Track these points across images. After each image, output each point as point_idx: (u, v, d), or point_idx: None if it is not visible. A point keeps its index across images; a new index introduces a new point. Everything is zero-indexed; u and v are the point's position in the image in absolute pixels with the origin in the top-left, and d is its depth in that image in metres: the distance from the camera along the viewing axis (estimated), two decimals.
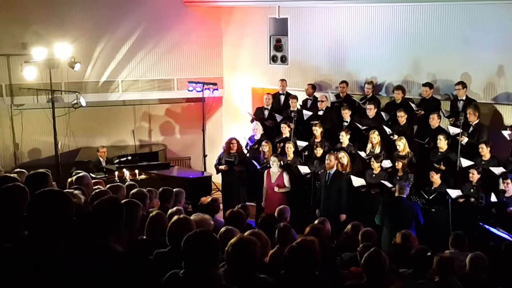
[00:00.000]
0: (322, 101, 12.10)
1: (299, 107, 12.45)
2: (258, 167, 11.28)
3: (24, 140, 14.64)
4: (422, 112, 11.06)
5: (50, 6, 13.53)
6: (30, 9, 13.42)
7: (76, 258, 3.17)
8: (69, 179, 7.73)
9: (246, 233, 5.13)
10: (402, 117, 10.95)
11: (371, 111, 11.35)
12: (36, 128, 14.43)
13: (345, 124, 11.54)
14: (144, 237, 5.60)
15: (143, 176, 11.90)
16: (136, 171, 11.74)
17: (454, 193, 9.36)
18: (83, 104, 13.33)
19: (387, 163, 10.34)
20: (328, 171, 10.16)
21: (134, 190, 6.96)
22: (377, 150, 10.65)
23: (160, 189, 7.98)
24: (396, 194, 8.94)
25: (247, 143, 12.37)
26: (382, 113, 11.46)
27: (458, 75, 11.21)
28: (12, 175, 6.51)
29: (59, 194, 3.21)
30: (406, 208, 8.80)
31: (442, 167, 9.94)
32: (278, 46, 13.81)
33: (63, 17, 13.64)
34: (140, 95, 14.78)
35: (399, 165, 10.02)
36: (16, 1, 13.34)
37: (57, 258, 2.96)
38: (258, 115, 12.84)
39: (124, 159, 13.21)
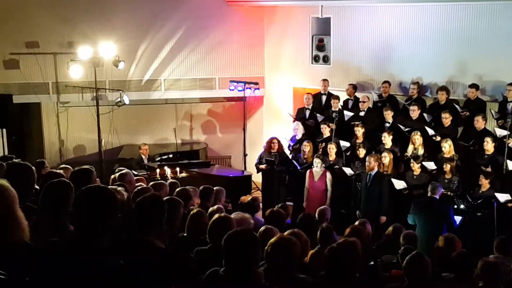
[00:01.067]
0: (363, 102, 11.98)
1: (340, 107, 12.36)
2: (298, 167, 11.25)
3: (69, 137, 14.94)
4: (468, 113, 10.84)
5: (96, 6, 13.76)
6: (77, 9, 13.68)
7: (119, 254, 3.22)
8: (112, 176, 7.83)
9: (285, 233, 5.11)
10: (447, 119, 10.75)
11: (414, 112, 11.16)
12: (80, 125, 14.71)
13: (387, 125, 11.40)
14: (185, 235, 5.64)
15: (184, 174, 11.97)
16: (177, 169, 11.82)
17: (502, 197, 9.12)
18: (127, 102, 13.54)
19: (431, 165, 10.17)
20: (368, 173, 10.07)
21: (179, 189, 7.03)
22: (420, 151, 10.49)
23: (201, 187, 8.02)
24: (429, 195, 8.77)
25: (289, 144, 12.36)
26: (425, 114, 11.26)
27: (508, 76, 10.89)
28: (57, 171, 6.63)
29: (104, 190, 3.26)
30: (437, 209, 8.61)
31: (489, 170, 9.73)
32: (321, 45, 13.73)
33: (108, 17, 13.85)
34: (182, 93, 14.90)
35: (447, 167, 9.81)
36: (65, 2, 13.59)
37: (101, 253, 3.00)
38: (299, 115, 12.80)
39: (166, 157, 13.32)
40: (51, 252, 3.05)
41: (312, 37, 13.82)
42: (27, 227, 3.19)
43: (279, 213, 6.83)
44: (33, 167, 4.96)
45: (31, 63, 13.75)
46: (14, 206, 3.13)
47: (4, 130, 13.38)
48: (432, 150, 10.60)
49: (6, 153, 12.57)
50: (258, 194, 12.08)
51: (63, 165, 8.71)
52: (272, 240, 4.19)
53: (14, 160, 7.91)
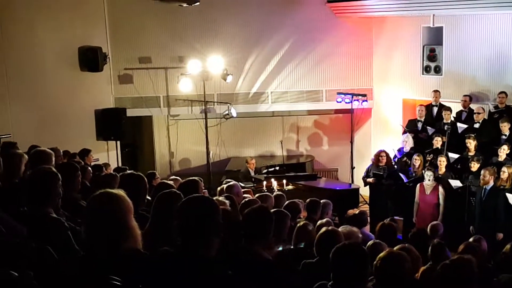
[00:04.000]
0: (478, 113, 11.45)
1: (453, 119, 11.90)
2: (406, 180, 10.94)
3: (179, 149, 15.38)
4: None
5: (206, 21, 14.11)
6: (187, 24, 14.11)
7: (227, 264, 3.22)
8: (219, 188, 7.95)
9: (395, 248, 4.97)
10: None
11: None
12: (189, 137, 15.11)
13: (504, 137, 10.82)
14: (292, 247, 5.61)
15: (290, 187, 11.96)
16: (284, 181, 11.83)
17: None
18: (234, 115, 13.76)
19: None
20: (483, 187, 9.61)
21: (288, 202, 7.06)
22: None
23: (307, 200, 7.96)
24: None
25: (395, 155, 12.05)
26: None
27: None
28: (168, 181, 6.80)
29: (204, 199, 3.29)
30: None
31: None
32: (432, 56, 13.28)
33: (217, 31, 14.17)
34: (288, 106, 14.93)
35: None
36: (176, 18, 14.04)
37: (209, 262, 3.01)
38: (410, 127, 12.45)
39: (272, 169, 13.38)
40: (162, 261, 3.10)
41: (423, 47, 13.40)
42: (139, 236, 3.27)
43: (391, 227, 6.64)
44: (145, 178, 5.11)
45: (144, 78, 14.30)
46: (129, 215, 3.22)
47: (118, 142, 13.98)
48: None
49: (120, 164, 13.12)
50: (365, 207, 11.86)
51: (173, 176, 8.97)
52: (381, 254, 4.08)
53: (127, 171, 8.21)
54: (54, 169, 4.43)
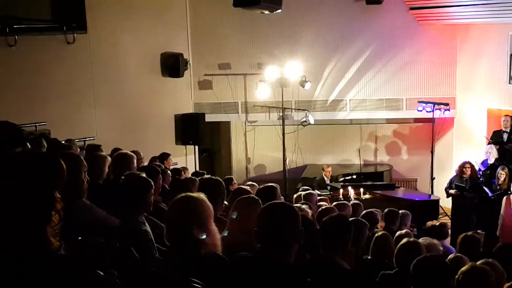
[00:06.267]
0: None
1: None
2: (490, 194, 10.56)
3: (255, 155, 15.47)
4: None
5: (285, 28, 14.11)
6: (267, 31, 14.15)
7: (305, 271, 3.18)
8: (296, 195, 7.92)
9: (478, 262, 4.80)
10: None
11: None
12: (266, 143, 15.17)
13: None
14: (369, 257, 5.52)
15: (367, 196, 11.79)
16: (361, 190, 11.67)
17: None
18: (312, 122, 13.69)
19: None
20: None
21: (365, 211, 6.97)
22: None
23: (386, 210, 7.84)
24: None
25: (479, 168, 11.66)
26: None
27: None
28: (245, 187, 6.83)
29: (285, 206, 3.25)
30: None
31: None
32: None
33: (296, 38, 14.14)
34: (367, 114, 14.72)
35: None
36: (255, 25, 14.13)
37: (288, 269, 2.98)
38: (495, 138, 12.01)
39: (349, 177, 13.23)
40: (241, 266, 3.09)
41: (511, 55, 12.92)
42: (219, 241, 3.28)
43: (474, 238, 6.42)
44: (223, 183, 5.14)
45: (223, 84, 14.46)
46: (209, 220, 3.24)
47: (196, 147, 14.21)
48: None
49: (197, 169, 13.32)
50: (446, 220, 11.52)
51: (250, 182, 9.00)
52: (464, 268, 3.98)
53: (205, 175, 8.31)
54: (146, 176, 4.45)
